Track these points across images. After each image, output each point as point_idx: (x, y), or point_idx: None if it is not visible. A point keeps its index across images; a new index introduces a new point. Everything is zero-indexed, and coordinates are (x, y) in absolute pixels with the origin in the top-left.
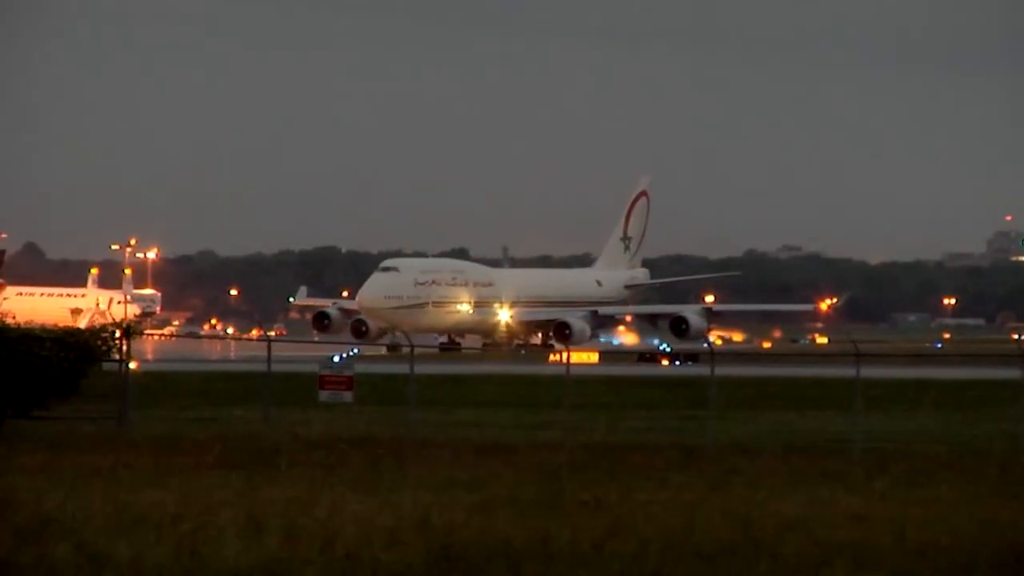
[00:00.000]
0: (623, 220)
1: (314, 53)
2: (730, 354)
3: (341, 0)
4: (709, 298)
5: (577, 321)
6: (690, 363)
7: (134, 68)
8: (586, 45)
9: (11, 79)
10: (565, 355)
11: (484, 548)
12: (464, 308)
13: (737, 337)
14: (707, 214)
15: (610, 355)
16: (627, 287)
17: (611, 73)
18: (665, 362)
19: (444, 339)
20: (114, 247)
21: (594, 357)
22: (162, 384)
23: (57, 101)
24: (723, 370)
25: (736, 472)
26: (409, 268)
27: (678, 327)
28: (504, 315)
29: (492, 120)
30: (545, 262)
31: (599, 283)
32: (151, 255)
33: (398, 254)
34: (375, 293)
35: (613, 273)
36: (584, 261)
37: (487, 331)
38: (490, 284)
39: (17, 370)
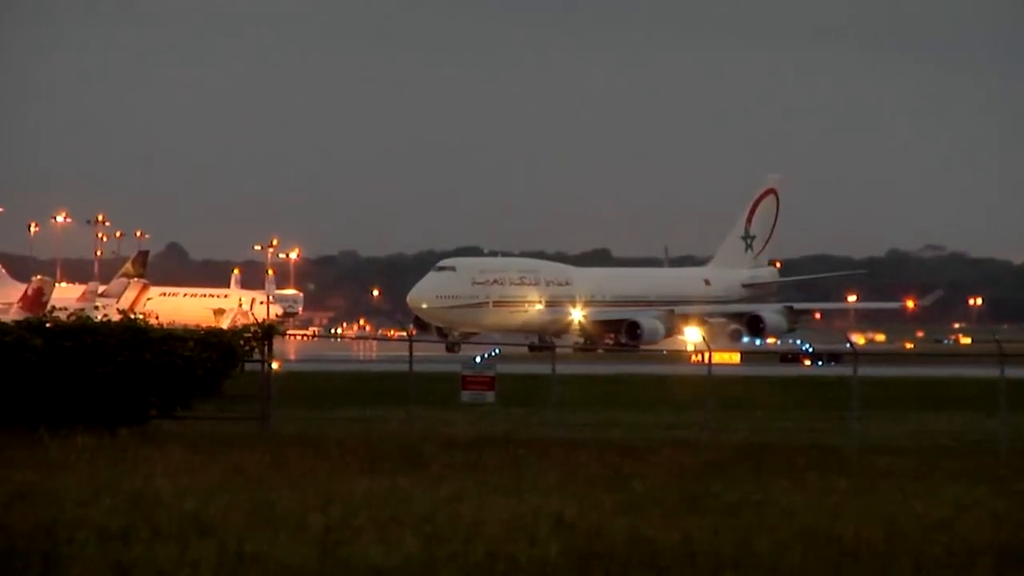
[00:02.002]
0: (745, 218)
1: (465, 55)
2: (872, 354)
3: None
4: (851, 297)
5: (648, 320)
6: (832, 363)
7: (272, 71)
8: (720, 44)
9: (133, 84)
10: (707, 355)
11: (627, 548)
12: (536, 307)
13: (879, 338)
14: (851, 214)
15: (751, 355)
16: (745, 286)
17: (751, 73)
18: (807, 362)
19: (535, 339)
20: (256, 248)
21: (735, 357)
22: (304, 384)
23: (201, 107)
24: (865, 370)
25: (879, 473)
26: (468, 267)
27: (755, 325)
28: (577, 314)
29: (631, 119)
30: (688, 261)
31: (707, 282)
32: (293, 256)
33: (539, 254)
34: (427, 293)
35: (727, 272)
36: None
37: (559, 331)
38: (567, 283)
39: (160, 370)
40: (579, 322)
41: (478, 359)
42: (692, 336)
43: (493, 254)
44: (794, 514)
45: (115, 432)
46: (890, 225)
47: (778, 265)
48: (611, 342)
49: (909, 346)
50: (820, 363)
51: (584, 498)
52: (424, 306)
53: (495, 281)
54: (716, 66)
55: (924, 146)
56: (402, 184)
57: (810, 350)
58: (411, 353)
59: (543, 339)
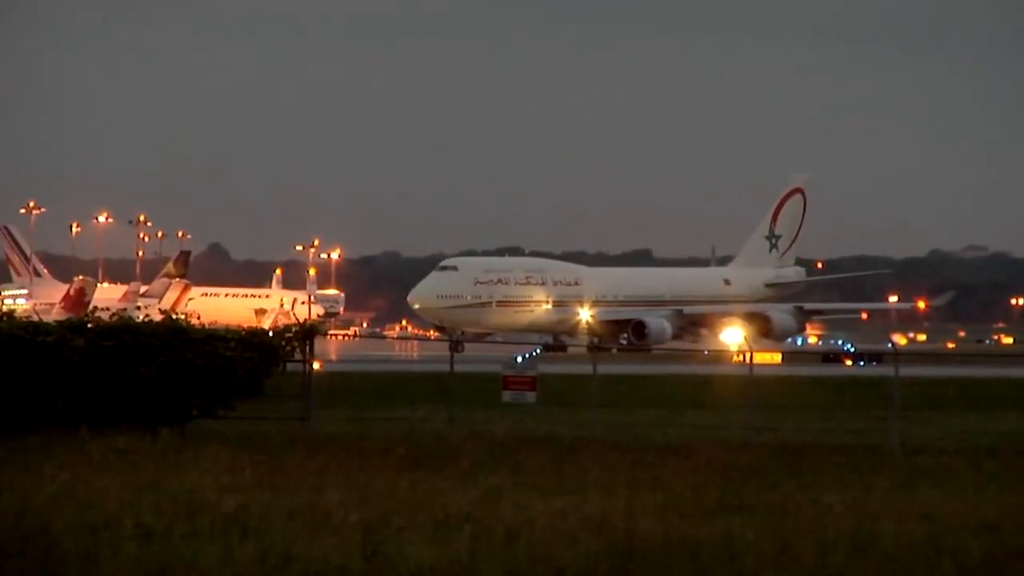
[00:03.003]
0: (769, 218)
1: (496, 50)
2: (914, 354)
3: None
4: (893, 298)
5: (655, 320)
6: (874, 363)
7: (316, 71)
8: (740, 42)
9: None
10: (748, 356)
11: (667, 549)
12: (543, 307)
13: (921, 337)
14: (893, 213)
15: (793, 355)
16: (769, 286)
17: (782, 70)
18: (848, 362)
19: (549, 339)
20: (298, 248)
21: (777, 357)
22: (345, 384)
23: (244, 108)
24: (907, 371)
25: (921, 474)
26: (470, 267)
27: (763, 326)
28: (584, 314)
29: (672, 117)
30: (727, 261)
31: (727, 282)
32: (334, 256)
33: (579, 255)
34: (427, 293)
35: (749, 271)
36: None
37: (567, 331)
38: (576, 283)
39: (202, 370)
40: (587, 322)
41: (519, 359)
42: (732, 336)
43: (536, 254)
44: (835, 514)
45: (156, 432)
46: (932, 225)
47: (819, 265)
48: (625, 342)
49: (951, 346)
50: (862, 363)
51: (625, 498)
52: (423, 306)
53: (499, 281)
54: (741, 63)
55: (964, 146)
56: (443, 184)
57: (852, 350)
58: (452, 353)
59: (557, 339)
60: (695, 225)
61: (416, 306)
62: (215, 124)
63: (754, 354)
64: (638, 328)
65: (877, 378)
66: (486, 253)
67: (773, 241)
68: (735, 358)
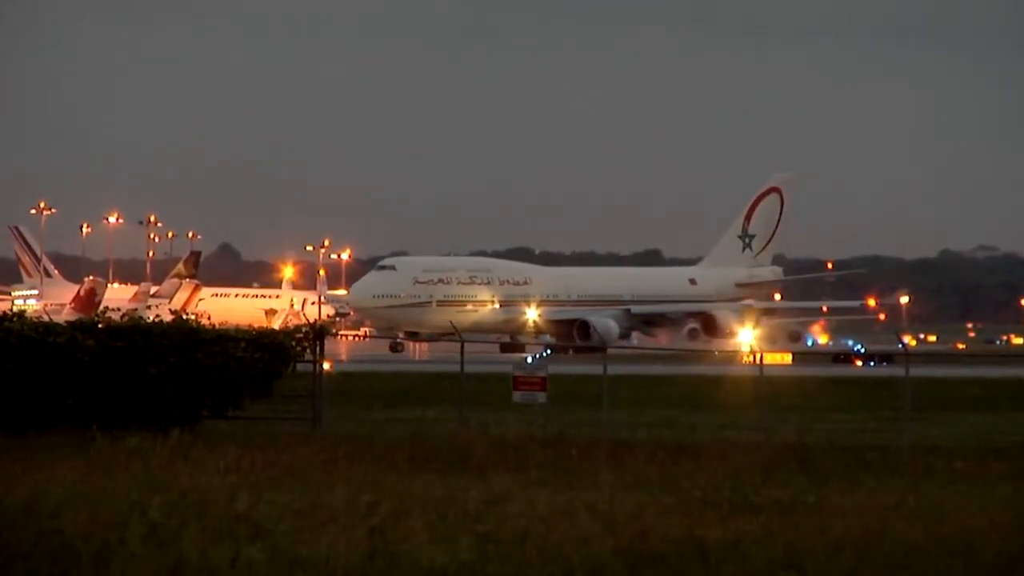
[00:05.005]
0: (743, 217)
1: (500, 52)
2: (924, 355)
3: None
4: (904, 299)
5: (600, 320)
6: (884, 364)
7: (324, 72)
8: (738, 43)
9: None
10: (758, 356)
11: (677, 549)
12: (488, 307)
13: (931, 338)
14: (904, 214)
15: (804, 356)
16: (740, 285)
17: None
18: (859, 363)
19: (506, 338)
20: (308, 248)
21: (787, 358)
22: (355, 384)
23: (252, 108)
24: (918, 371)
25: (932, 474)
26: (409, 266)
27: (709, 325)
28: (532, 314)
29: (672, 117)
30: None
31: (692, 281)
32: (344, 256)
33: (590, 256)
34: (365, 292)
35: (719, 271)
36: (782, 262)
37: (514, 330)
38: (525, 283)
39: (212, 370)
40: (534, 321)
41: (529, 359)
42: (744, 337)
43: (545, 255)
44: (846, 515)
45: (167, 432)
46: (943, 225)
47: (829, 265)
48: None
49: (961, 347)
50: (872, 363)
51: (636, 498)
52: (360, 305)
53: (440, 280)
54: (740, 63)
55: (974, 146)
56: (453, 185)
57: (862, 350)
58: (462, 354)
59: (514, 338)
60: (705, 224)
61: (353, 305)
62: (225, 125)
63: (764, 355)
64: (582, 328)
65: (888, 379)
66: (495, 254)
67: (747, 240)
68: (745, 358)
